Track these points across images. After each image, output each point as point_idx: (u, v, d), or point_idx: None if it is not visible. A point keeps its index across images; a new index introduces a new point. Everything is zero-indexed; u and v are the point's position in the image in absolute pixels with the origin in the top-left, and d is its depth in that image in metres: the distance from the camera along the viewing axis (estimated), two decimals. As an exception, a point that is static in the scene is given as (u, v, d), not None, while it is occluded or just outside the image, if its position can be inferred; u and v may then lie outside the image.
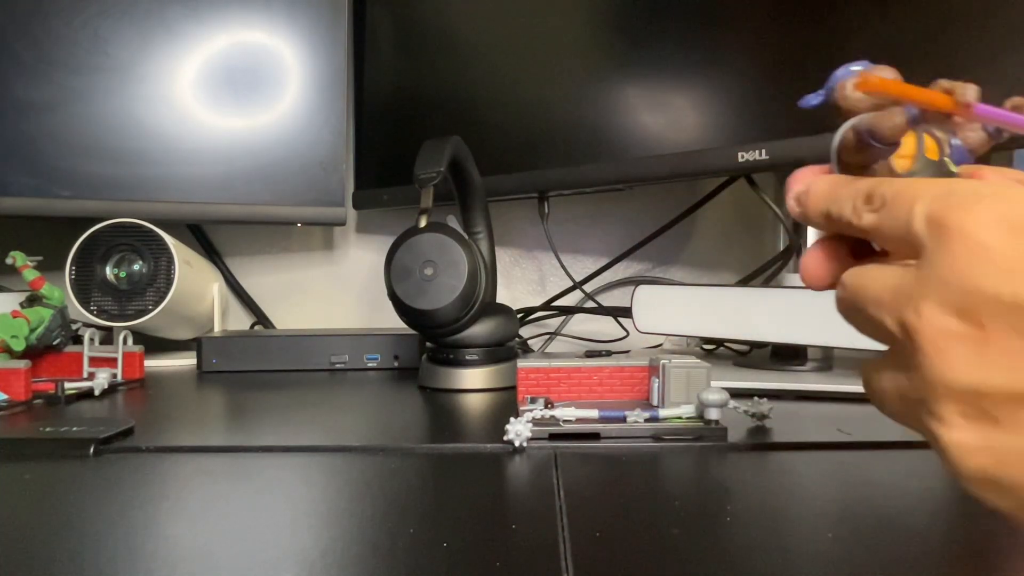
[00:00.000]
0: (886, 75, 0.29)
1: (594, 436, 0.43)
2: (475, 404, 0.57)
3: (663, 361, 0.47)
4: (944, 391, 0.21)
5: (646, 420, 0.44)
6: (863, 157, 0.29)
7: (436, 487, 0.35)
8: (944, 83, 0.27)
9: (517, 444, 0.41)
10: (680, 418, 0.45)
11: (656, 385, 0.47)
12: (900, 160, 0.29)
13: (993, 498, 0.21)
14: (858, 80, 0.28)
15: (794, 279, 0.71)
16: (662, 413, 0.45)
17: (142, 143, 0.87)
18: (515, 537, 0.28)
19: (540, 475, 0.37)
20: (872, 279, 0.24)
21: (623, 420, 0.44)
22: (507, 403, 0.57)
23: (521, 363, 0.50)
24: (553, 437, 0.43)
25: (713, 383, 0.46)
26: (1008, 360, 0.20)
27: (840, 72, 0.30)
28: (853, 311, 0.25)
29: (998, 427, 0.20)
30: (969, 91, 0.27)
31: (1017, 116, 0.29)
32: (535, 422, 0.43)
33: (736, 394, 0.47)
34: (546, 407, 0.45)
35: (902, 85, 0.28)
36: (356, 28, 0.99)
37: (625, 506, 0.33)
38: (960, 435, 0.21)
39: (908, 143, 0.29)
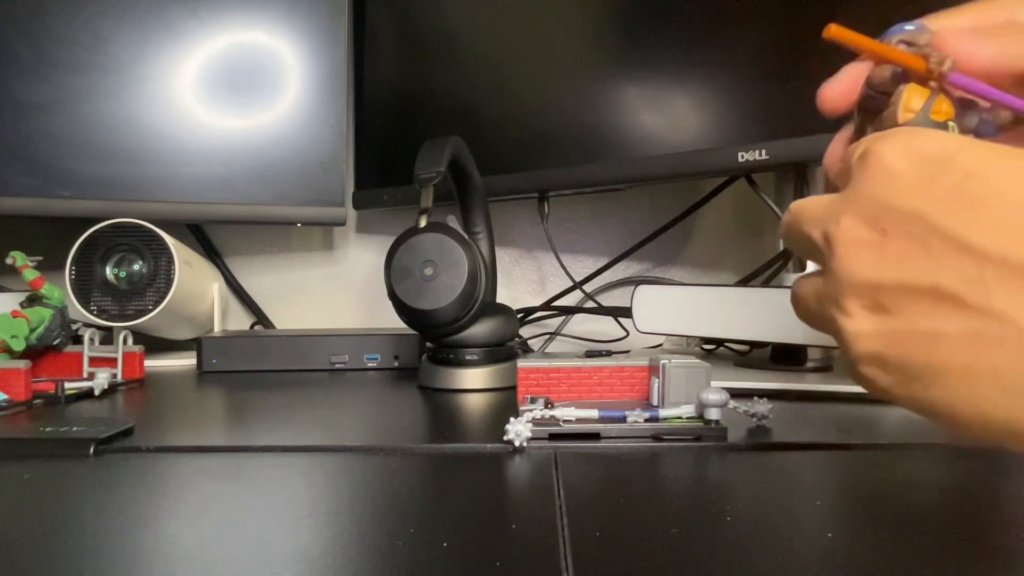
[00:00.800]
0: (923, 37, 0.31)
1: (594, 436, 0.43)
2: (475, 404, 0.57)
3: (663, 361, 0.47)
4: (850, 287, 0.26)
5: (646, 420, 0.44)
6: (876, 104, 0.32)
7: (436, 487, 0.35)
8: (929, 50, 0.30)
9: (517, 444, 0.41)
10: (680, 418, 0.45)
11: (656, 385, 0.47)
12: (904, 114, 0.31)
13: (878, 377, 0.25)
14: (832, 28, 0.31)
15: (794, 279, 0.71)
16: (662, 413, 0.45)
17: (142, 143, 0.87)
18: (515, 537, 0.28)
19: (540, 475, 0.37)
20: (808, 203, 0.29)
21: (623, 420, 0.44)
22: (507, 403, 0.57)
23: (521, 363, 0.50)
24: (553, 437, 0.43)
25: (713, 383, 0.46)
26: (900, 259, 0.24)
27: (894, 28, 0.32)
28: (792, 232, 0.29)
29: (888, 315, 0.25)
30: (946, 62, 0.29)
31: (993, 90, 0.30)
32: (535, 422, 0.43)
33: (736, 394, 0.47)
34: (546, 407, 0.45)
35: (867, 40, 0.31)
36: (356, 28, 0.99)
37: (625, 506, 0.33)
38: (858, 323, 0.26)
39: (915, 99, 0.31)
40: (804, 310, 0.30)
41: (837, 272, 0.26)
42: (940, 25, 0.31)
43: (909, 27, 0.32)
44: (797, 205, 0.29)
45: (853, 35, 0.31)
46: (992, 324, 0.22)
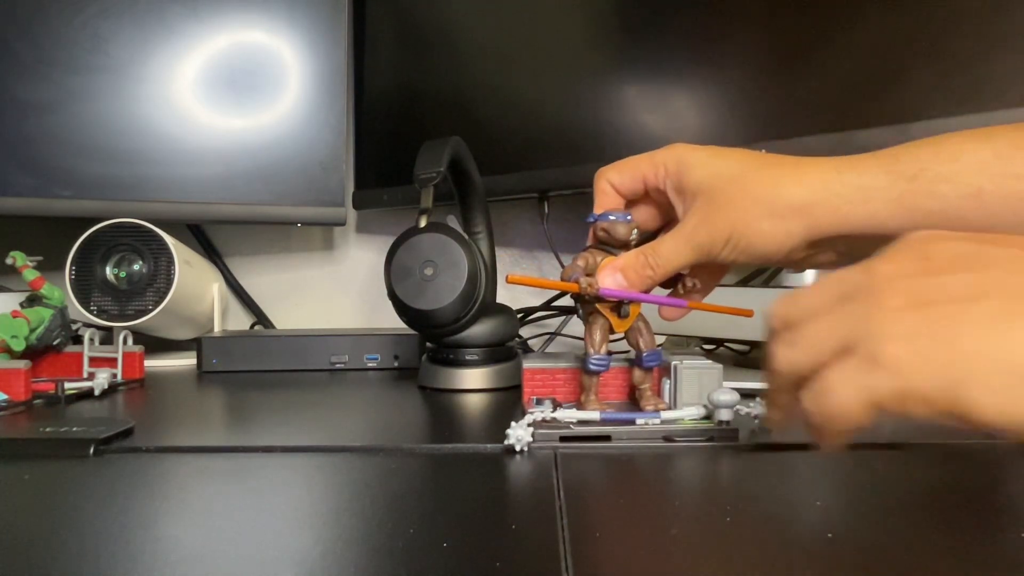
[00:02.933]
0: (620, 229, 0.45)
1: (605, 439, 0.43)
2: (475, 404, 0.57)
3: (674, 362, 0.46)
4: (890, 284, 0.28)
5: (661, 422, 0.43)
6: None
7: (436, 487, 0.35)
8: (582, 278, 0.44)
9: (518, 449, 0.41)
10: (690, 419, 0.44)
11: (668, 386, 0.47)
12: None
13: (904, 356, 0.26)
14: (509, 276, 0.43)
15: (794, 279, 0.71)
16: (672, 415, 0.44)
17: (142, 143, 0.87)
18: (515, 537, 0.28)
19: (540, 475, 0.37)
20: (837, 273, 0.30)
21: (632, 423, 0.43)
22: (507, 403, 0.57)
23: (527, 364, 0.49)
24: (564, 440, 0.42)
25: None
26: (942, 268, 0.28)
27: (602, 215, 0.46)
28: (826, 284, 0.30)
29: (927, 305, 0.27)
30: (594, 284, 0.44)
31: (634, 294, 0.44)
32: (544, 424, 0.43)
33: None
34: (554, 409, 0.45)
35: (539, 280, 0.46)
36: (356, 28, 0.99)
37: (625, 506, 0.33)
38: (895, 302, 0.27)
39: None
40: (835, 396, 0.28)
41: (878, 280, 0.28)
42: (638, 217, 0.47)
43: (612, 216, 0.45)
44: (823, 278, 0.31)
45: (528, 279, 0.44)
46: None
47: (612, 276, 0.44)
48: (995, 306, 0.25)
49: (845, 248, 0.45)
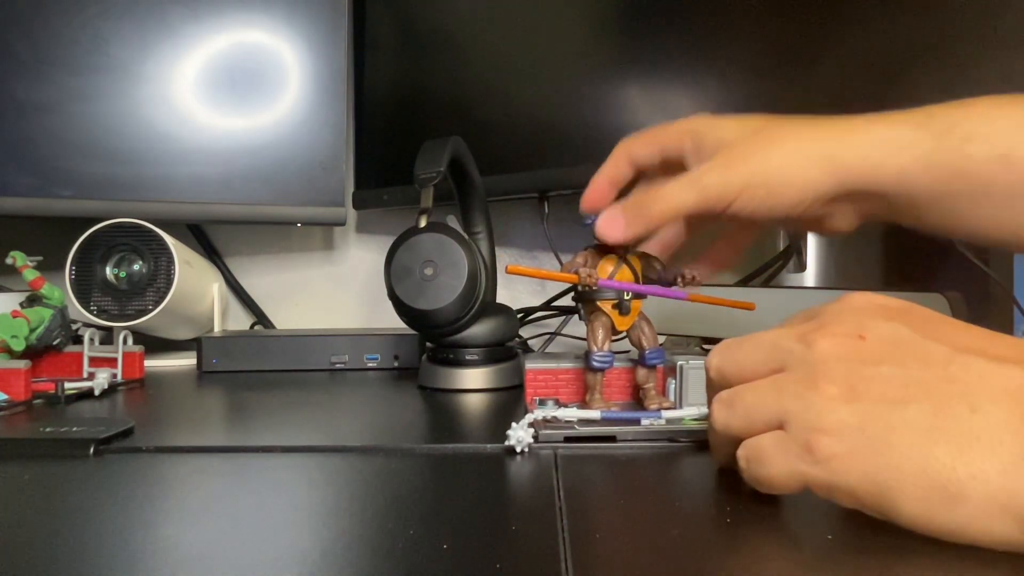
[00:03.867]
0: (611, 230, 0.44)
1: (610, 439, 0.42)
2: (475, 404, 0.57)
3: (680, 362, 0.46)
4: (826, 369, 0.29)
5: (661, 421, 0.43)
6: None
7: (436, 487, 0.35)
8: (581, 269, 0.44)
9: (519, 450, 0.40)
10: (692, 419, 0.44)
11: (673, 386, 0.47)
12: (600, 274, 0.45)
13: (834, 447, 0.28)
14: (509, 268, 0.45)
15: (794, 279, 0.71)
16: (674, 414, 0.44)
17: (142, 143, 0.87)
18: (515, 538, 0.28)
19: (540, 476, 0.37)
20: (769, 332, 0.32)
21: (634, 422, 0.43)
22: (507, 403, 0.57)
23: (529, 364, 0.49)
24: (568, 440, 0.42)
25: None
26: (876, 355, 0.29)
27: (596, 217, 0.46)
28: (758, 344, 0.32)
29: (860, 399, 0.28)
30: (593, 275, 0.44)
31: (626, 284, 0.45)
32: (545, 424, 0.42)
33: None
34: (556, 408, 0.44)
35: (538, 271, 0.47)
36: (356, 28, 0.99)
37: (626, 507, 0.33)
38: (830, 392, 0.29)
39: (607, 266, 0.46)
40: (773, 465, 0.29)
41: (815, 357, 0.29)
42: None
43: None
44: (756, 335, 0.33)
45: (527, 269, 0.45)
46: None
47: (611, 214, 0.44)
48: (921, 414, 0.26)
49: (869, 210, 0.43)
